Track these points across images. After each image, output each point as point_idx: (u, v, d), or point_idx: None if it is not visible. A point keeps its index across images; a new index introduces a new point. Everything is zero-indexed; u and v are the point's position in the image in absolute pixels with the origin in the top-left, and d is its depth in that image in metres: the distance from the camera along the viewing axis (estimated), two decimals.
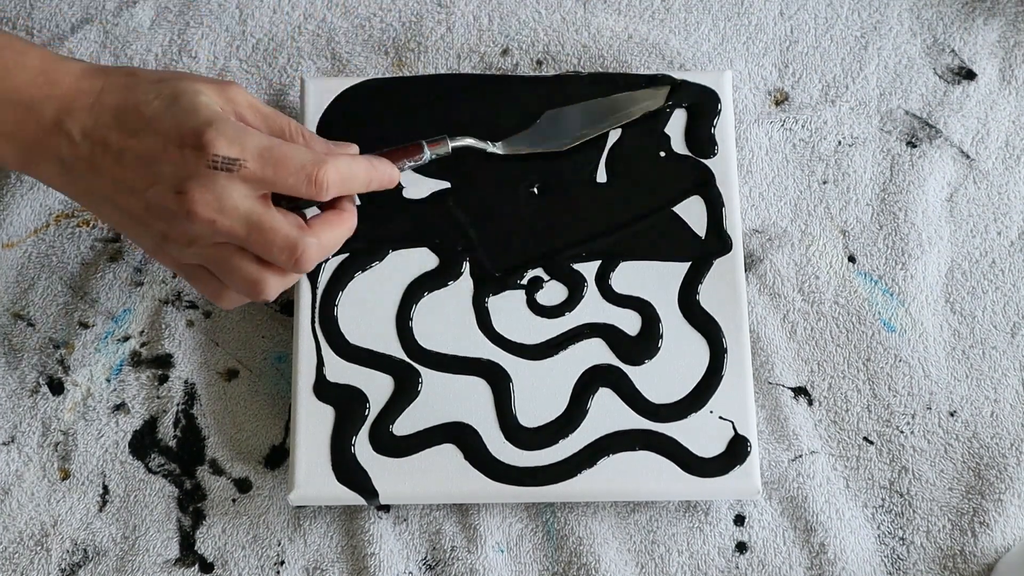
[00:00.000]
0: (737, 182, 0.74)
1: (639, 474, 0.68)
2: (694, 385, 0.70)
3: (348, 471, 0.68)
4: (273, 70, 0.79)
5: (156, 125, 0.59)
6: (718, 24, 0.80)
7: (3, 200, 0.75)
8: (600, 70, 0.79)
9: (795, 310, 0.74)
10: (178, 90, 0.60)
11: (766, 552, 0.69)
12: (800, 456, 0.71)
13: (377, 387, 0.69)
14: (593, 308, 0.71)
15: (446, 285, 0.71)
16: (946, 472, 0.71)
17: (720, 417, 0.69)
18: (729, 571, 0.69)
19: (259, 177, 0.59)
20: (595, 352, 0.70)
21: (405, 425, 0.69)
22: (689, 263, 0.72)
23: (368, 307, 0.71)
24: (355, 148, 0.66)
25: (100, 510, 0.70)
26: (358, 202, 0.68)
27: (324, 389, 0.69)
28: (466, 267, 0.72)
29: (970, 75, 0.79)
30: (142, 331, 0.73)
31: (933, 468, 0.71)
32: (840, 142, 0.78)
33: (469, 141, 0.70)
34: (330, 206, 0.64)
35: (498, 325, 0.71)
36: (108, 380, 0.72)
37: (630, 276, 0.72)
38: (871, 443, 0.71)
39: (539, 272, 0.72)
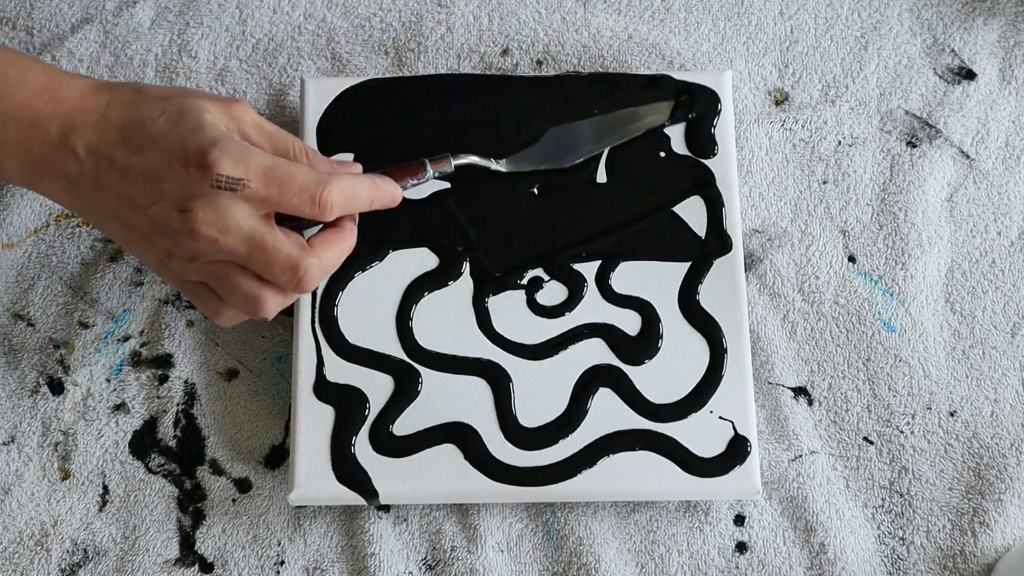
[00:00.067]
0: (737, 182, 0.74)
1: (639, 474, 0.68)
2: (694, 385, 0.70)
3: (348, 471, 0.68)
4: (273, 70, 0.79)
5: (161, 142, 0.59)
6: (718, 24, 0.80)
7: (3, 200, 0.75)
8: (600, 70, 0.79)
9: (795, 310, 0.74)
10: (184, 107, 0.60)
11: (766, 552, 0.69)
12: (800, 456, 0.71)
13: (377, 387, 0.69)
14: (593, 308, 0.71)
15: (446, 285, 0.71)
16: (946, 472, 0.71)
17: (720, 417, 0.69)
18: (729, 571, 0.69)
19: (262, 197, 0.59)
20: (595, 352, 0.70)
21: (405, 425, 0.69)
22: (689, 263, 0.72)
23: (368, 307, 0.71)
24: (358, 168, 0.66)
25: (100, 510, 0.70)
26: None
27: (324, 389, 0.69)
28: (466, 267, 0.72)
29: (970, 75, 0.79)
30: (142, 331, 0.73)
31: (933, 468, 0.71)
32: (840, 142, 0.78)
33: (472, 159, 0.70)
34: (330, 224, 0.64)
35: (498, 325, 0.71)
36: (108, 380, 0.72)
37: (630, 276, 0.72)
38: (871, 443, 0.71)
39: (539, 272, 0.72)
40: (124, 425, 0.71)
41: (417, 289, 0.71)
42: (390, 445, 0.68)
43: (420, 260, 0.72)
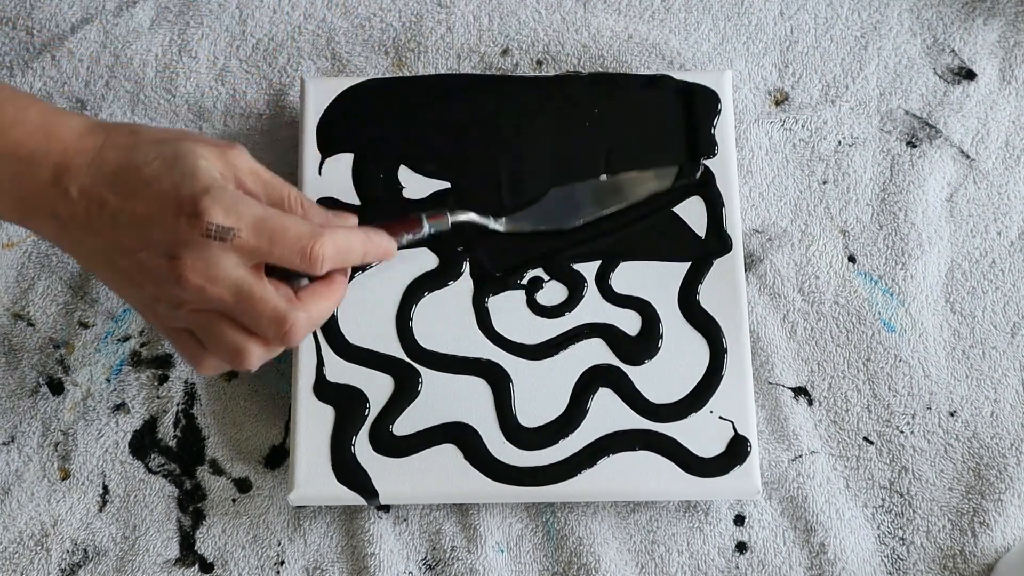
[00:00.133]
0: (737, 182, 0.74)
1: (639, 474, 0.68)
2: (694, 385, 0.70)
3: (348, 471, 0.68)
4: (273, 70, 0.79)
5: (154, 187, 0.58)
6: (718, 24, 0.80)
7: None
8: (600, 70, 0.79)
9: (795, 310, 0.74)
10: (179, 152, 0.59)
11: (766, 552, 0.69)
12: (800, 456, 0.71)
13: (377, 387, 0.69)
14: (593, 308, 0.71)
15: (446, 285, 0.71)
16: (946, 472, 0.71)
17: (720, 417, 0.69)
18: (729, 571, 0.69)
19: (253, 248, 0.58)
20: (595, 352, 0.70)
21: (405, 425, 0.69)
22: (689, 263, 0.72)
23: (368, 307, 0.71)
24: (354, 219, 0.65)
25: (100, 510, 0.70)
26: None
27: (324, 389, 0.69)
28: (466, 267, 0.72)
29: (970, 75, 0.79)
30: (142, 331, 0.73)
31: (933, 468, 0.71)
32: (840, 142, 0.78)
33: (471, 216, 0.69)
34: (321, 276, 0.63)
35: (498, 325, 0.71)
36: (108, 380, 0.72)
37: (630, 276, 0.72)
38: (871, 443, 0.71)
39: (539, 272, 0.72)
40: (124, 425, 0.71)
41: (417, 289, 0.71)
42: (390, 445, 0.68)
43: (420, 260, 0.72)
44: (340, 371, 0.70)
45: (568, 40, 0.80)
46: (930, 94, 0.79)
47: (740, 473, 0.68)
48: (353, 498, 0.68)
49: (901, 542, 0.70)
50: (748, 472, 0.68)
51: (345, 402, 0.69)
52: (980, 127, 0.78)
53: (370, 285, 0.71)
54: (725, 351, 0.70)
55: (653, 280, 0.72)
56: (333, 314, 0.70)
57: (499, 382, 0.69)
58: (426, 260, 0.72)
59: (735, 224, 0.73)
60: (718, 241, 0.72)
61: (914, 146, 0.77)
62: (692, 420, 0.69)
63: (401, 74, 0.79)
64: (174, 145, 0.59)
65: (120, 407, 0.72)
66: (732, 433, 0.69)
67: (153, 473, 0.71)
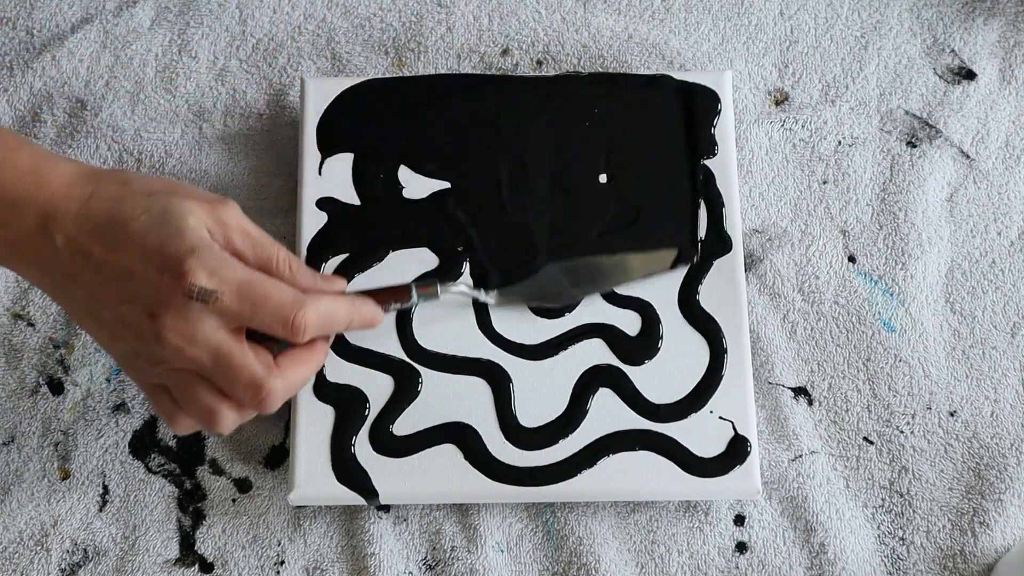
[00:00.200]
0: (737, 182, 0.74)
1: (639, 474, 0.68)
2: (694, 385, 0.70)
3: (348, 471, 0.68)
4: (273, 70, 0.79)
5: (139, 243, 0.57)
6: (718, 24, 0.80)
7: None
8: (600, 70, 0.79)
9: (795, 310, 0.74)
10: (167, 208, 0.58)
11: (766, 552, 0.69)
12: (800, 456, 0.71)
13: (377, 387, 0.69)
14: (593, 308, 0.71)
15: None
16: (946, 472, 0.71)
17: (720, 417, 0.69)
18: (729, 571, 0.69)
19: (235, 312, 0.57)
20: (595, 352, 0.70)
21: (405, 425, 0.69)
22: (689, 263, 0.72)
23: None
24: (342, 283, 0.64)
25: (100, 510, 0.70)
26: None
27: (324, 389, 0.69)
28: (466, 267, 0.72)
29: (970, 75, 0.79)
30: None
31: (933, 468, 0.71)
32: (840, 142, 0.78)
33: (462, 288, 0.69)
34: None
35: (498, 325, 0.71)
36: (108, 380, 0.72)
37: None
38: (871, 443, 0.71)
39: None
40: (124, 425, 0.71)
41: None
42: (390, 445, 0.68)
43: (420, 260, 0.72)
44: (340, 371, 0.70)
45: (568, 40, 0.80)
46: (930, 94, 0.79)
47: (740, 473, 0.68)
48: (353, 498, 0.68)
49: (901, 542, 0.70)
50: (748, 472, 0.68)
51: (345, 402, 0.69)
52: (980, 127, 0.78)
53: (370, 285, 0.71)
54: (725, 351, 0.70)
55: (653, 280, 0.72)
56: None
57: (499, 382, 0.69)
58: (426, 260, 0.72)
59: (735, 224, 0.73)
60: (718, 241, 0.72)
61: (914, 146, 0.77)
62: (692, 420, 0.69)
63: (401, 74, 0.79)
64: (164, 199, 0.58)
65: (120, 407, 0.72)
66: (732, 433, 0.69)
67: (153, 473, 0.71)
